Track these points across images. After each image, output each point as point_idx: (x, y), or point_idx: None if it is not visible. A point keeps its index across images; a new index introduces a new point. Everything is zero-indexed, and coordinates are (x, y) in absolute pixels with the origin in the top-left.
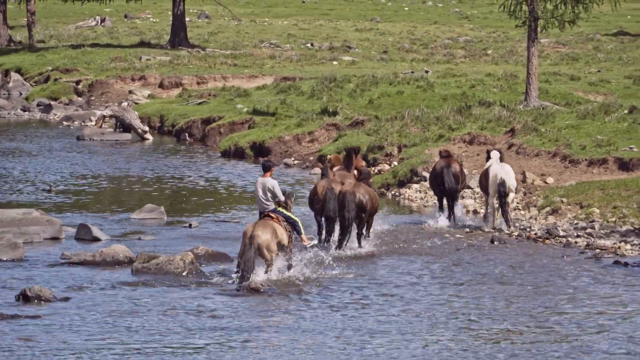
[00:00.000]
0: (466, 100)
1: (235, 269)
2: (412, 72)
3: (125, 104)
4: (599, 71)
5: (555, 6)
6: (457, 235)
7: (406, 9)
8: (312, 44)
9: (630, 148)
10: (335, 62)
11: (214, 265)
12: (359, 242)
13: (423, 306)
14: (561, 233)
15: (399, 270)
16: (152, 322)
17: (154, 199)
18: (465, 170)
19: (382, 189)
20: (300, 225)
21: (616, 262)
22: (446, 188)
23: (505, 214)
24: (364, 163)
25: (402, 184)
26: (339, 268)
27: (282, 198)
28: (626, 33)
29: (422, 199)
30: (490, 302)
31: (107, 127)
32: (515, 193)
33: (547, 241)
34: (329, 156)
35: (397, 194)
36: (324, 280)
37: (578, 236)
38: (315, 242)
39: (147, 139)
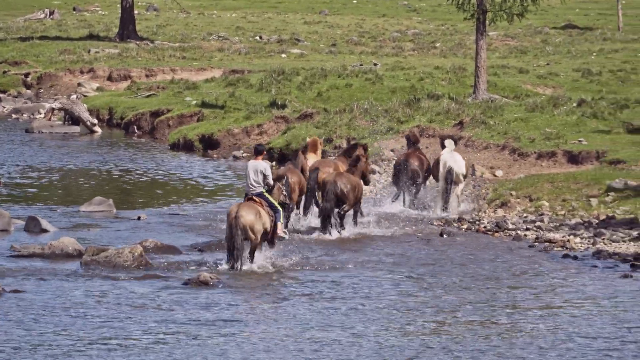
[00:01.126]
0: (415, 93)
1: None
2: (360, 65)
3: (74, 96)
4: (547, 64)
5: None
6: (407, 228)
7: (354, 1)
8: (260, 37)
9: (579, 141)
10: (284, 55)
11: (162, 258)
12: (340, 228)
13: (364, 299)
14: (510, 226)
15: (345, 263)
16: (100, 315)
17: (103, 192)
18: None
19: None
20: (281, 214)
21: (565, 256)
22: (399, 185)
23: (447, 201)
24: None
25: None
26: (287, 260)
27: (271, 181)
28: (574, 26)
29: (371, 191)
30: (434, 294)
31: (56, 120)
32: (464, 183)
33: (496, 234)
34: (307, 139)
35: None
36: (271, 272)
37: (527, 229)
38: (287, 236)
39: (96, 132)
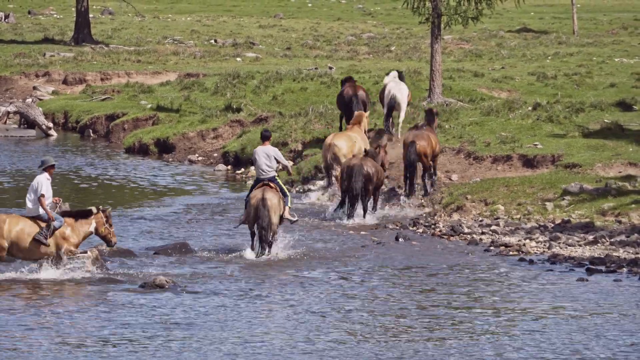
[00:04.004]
0: (370, 96)
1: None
2: (315, 69)
3: (29, 100)
4: (502, 68)
5: (458, 2)
6: (362, 232)
7: (309, 5)
8: (215, 41)
9: (535, 145)
10: (238, 59)
11: (118, 261)
12: (364, 213)
13: (316, 304)
14: (466, 230)
15: (299, 265)
16: (54, 319)
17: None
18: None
19: (286, 186)
20: (290, 199)
21: (521, 260)
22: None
23: (391, 126)
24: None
25: (306, 180)
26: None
27: (286, 162)
28: (529, 30)
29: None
30: (387, 298)
31: (12, 124)
32: (405, 111)
33: (451, 238)
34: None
35: (301, 190)
36: (227, 275)
37: (483, 233)
38: (297, 219)
39: (52, 135)
